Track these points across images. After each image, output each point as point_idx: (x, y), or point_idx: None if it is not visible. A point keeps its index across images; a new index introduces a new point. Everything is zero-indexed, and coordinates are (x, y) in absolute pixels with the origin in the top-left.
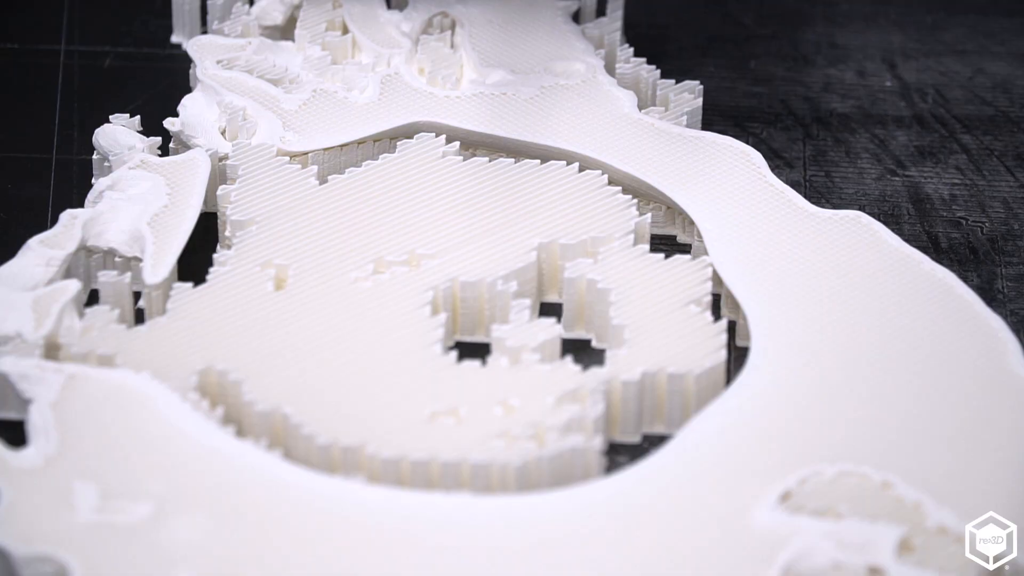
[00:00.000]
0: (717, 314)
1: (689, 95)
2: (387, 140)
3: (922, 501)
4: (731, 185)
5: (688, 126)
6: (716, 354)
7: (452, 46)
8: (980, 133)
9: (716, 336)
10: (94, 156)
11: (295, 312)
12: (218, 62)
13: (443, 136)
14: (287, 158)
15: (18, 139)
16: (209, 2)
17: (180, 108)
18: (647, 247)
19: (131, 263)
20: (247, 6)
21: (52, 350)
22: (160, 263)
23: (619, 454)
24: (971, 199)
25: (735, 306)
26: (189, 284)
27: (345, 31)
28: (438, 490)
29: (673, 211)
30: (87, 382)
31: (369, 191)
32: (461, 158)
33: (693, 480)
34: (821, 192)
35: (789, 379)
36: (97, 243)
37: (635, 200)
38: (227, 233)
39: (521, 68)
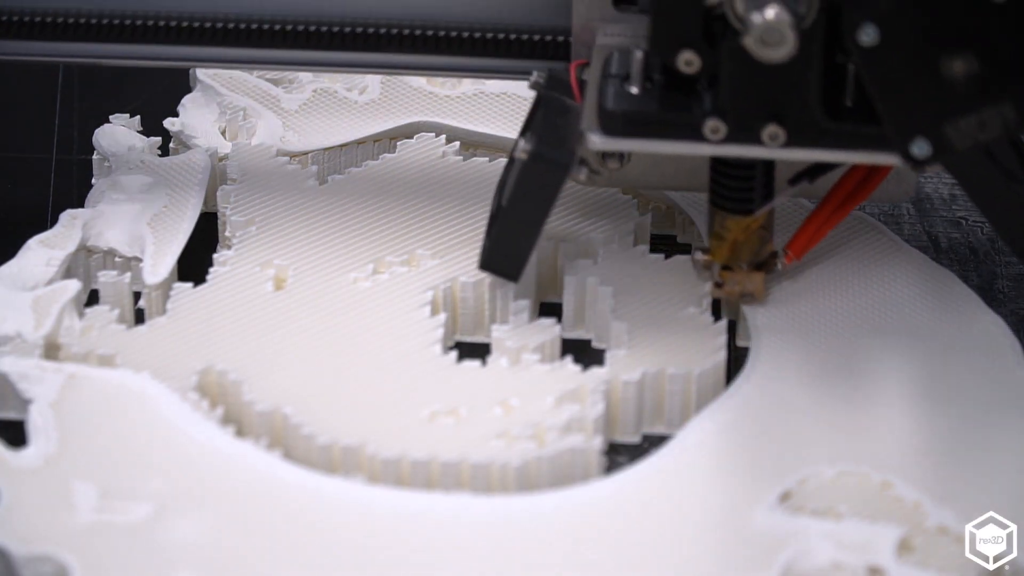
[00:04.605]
0: (717, 314)
1: None
2: (387, 140)
3: (922, 501)
4: None
5: None
6: (716, 354)
7: None
8: None
9: (716, 336)
10: (94, 156)
11: (295, 312)
12: None
13: (443, 136)
14: (287, 158)
15: (18, 139)
16: None
17: (180, 108)
18: (647, 247)
19: (131, 263)
20: None
21: (52, 350)
22: (160, 263)
23: (619, 454)
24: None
25: (735, 306)
26: (189, 284)
27: None
28: (438, 490)
29: (673, 211)
30: (87, 382)
31: (369, 191)
32: (461, 158)
33: (693, 480)
34: None
35: (789, 379)
36: (97, 243)
37: (635, 200)
38: (227, 233)
39: None
